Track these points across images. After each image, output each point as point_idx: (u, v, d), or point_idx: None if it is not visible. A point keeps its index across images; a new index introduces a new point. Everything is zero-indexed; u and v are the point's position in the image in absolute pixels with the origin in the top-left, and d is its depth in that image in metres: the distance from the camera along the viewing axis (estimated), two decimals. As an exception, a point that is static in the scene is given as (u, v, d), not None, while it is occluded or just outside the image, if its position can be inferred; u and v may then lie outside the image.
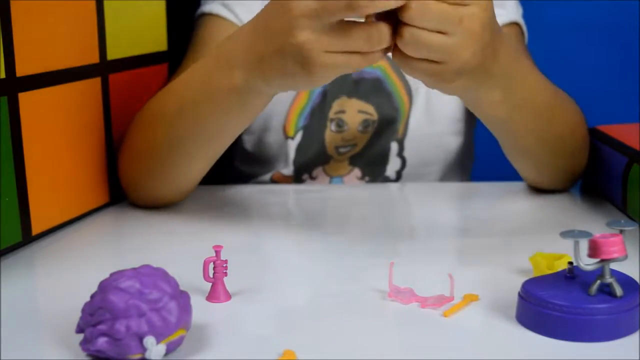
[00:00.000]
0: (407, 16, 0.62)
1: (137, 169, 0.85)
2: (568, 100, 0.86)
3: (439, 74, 0.65)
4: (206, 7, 0.98)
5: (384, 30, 0.63)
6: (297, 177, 1.00)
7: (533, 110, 0.79)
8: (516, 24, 0.98)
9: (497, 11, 0.96)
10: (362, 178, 1.00)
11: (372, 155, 0.99)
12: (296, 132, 0.98)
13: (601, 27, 1.35)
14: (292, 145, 0.98)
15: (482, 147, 1.10)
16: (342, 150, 0.99)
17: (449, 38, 0.63)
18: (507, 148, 0.85)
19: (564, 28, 1.35)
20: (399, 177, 1.00)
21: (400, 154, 0.99)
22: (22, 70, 0.72)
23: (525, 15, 1.01)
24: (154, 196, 0.87)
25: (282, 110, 0.98)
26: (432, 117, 0.99)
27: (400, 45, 0.64)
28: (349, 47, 0.63)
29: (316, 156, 0.99)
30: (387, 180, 1.00)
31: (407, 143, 0.99)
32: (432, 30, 0.63)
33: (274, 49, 0.66)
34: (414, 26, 0.62)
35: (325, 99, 0.97)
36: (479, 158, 1.10)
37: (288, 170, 0.99)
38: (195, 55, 0.93)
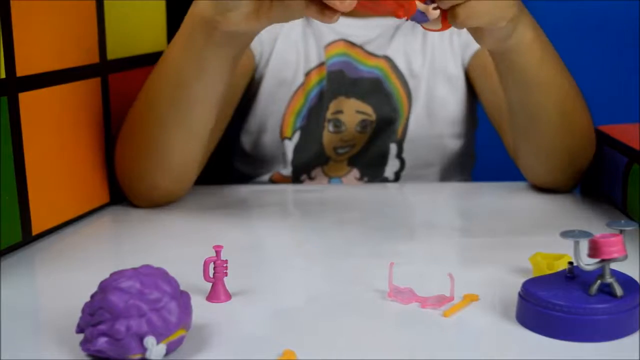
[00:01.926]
0: None
1: (129, 158, 0.84)
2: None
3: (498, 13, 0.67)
4: None
5: None
6: (295, 178, 1.00)
7: (555, 59, 0.81)
8: None
9: None
10: (360, 179, 1.00)
11: (370, 156, 0.99)
12: (294, 133, 0.98)
13: (601, 27, 1.35)
14: (290, 146, 0.98)
15: (483, 148, 1.10)
16: (340, 151, 0.99)
17: None
18: (527, 117, 0.84)
19: (564, 28, 1.35)
20: (397, 178, 1.00)
21: (399, 155, 0.99)
22: (22, 70, 0.72)
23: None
24: (150, 184, 0.85)
25: (278, 111, 0.98)
26: (432, 120, 0.99)
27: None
28: None
29: (315, 157, 0.99)
30: (385, 181, 1.00)
31: (406, 144, 0.99)
32: None
33: None
34: None
35: (323, 99, 0.97)
36: (479, 159, 1.10)
37: (287, 170, 0.99)
38: None
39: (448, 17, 0.67)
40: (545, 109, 0.82)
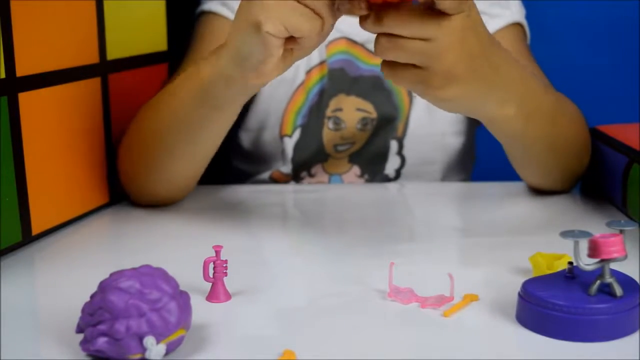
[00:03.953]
0: (385, 25, 0.62)
1: (133, 166, 0.86)
2: (567, 100, 0.86)
3: (425, 80, 0.64)
4: (205, 5, 0.98)
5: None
6: (295, 175, 1.00)
7: (543, 117, 0.78)
8: (519, 24, 0.98)
9: (500, 12, 0.96)
10: (361, 176, 1.00)
11: (371, 153, 0.99)
12: (294, 131, 0.98)
13: (601, 27, 1.35)
14: (290, 144, 0.98)
15: (483, 147, 1.10)
16: (340, 148, 0.99)
17: (430, 43, 0.62)
18: (517, 158, 0.85)
19: (565, 28, 1.35)
20: (398, 175, 1.00)
21: (399, 152, 0.99)
22: (22, 70, 0.72)
23: (526, 16, 1.01)
24: (152, 193, 0.87)
25: (279, 109, 0.99)
26: (434, 117, 0.99)
27: (378, 51, 0.63)
28: None
29: (315, 154, 0.99)
30: (386, 178, 1.00)
31: (407, 142, 0.99)
32: (411, 38, 0.62)
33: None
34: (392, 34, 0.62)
35: (323, 97, 0.97)
36: (479, 158, 1.10)
37: (286, 168, 0.99)
38: (195, 53, 0.94)
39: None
40: (533, 155, 0.83)
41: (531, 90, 0.75)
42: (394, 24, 0.62)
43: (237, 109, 0.78)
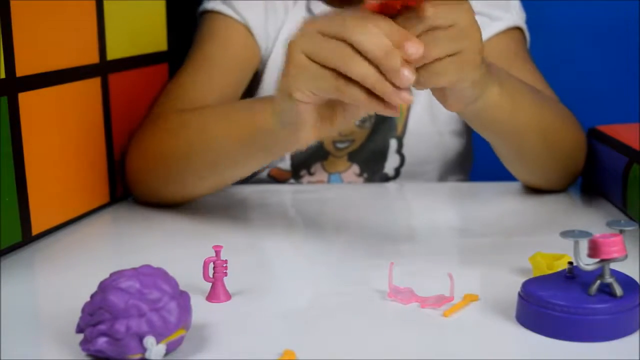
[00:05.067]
0: (430, 18, 0.62)
1: (145, 174, 0.86)
2: (552, 97, 0.86)
3: (465, 62, 0.65)
4: (208, 5, 0.98)
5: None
6: (295, 173, 1.00)
7: (526, 100, 0.79)
8: (519, 28, 0.98)
9: (500, 14, 0.96)
10: (360, 175, 1.00)
11: (370, 152, 0.99)
12: None
13: (601, 27, 1.35)
14: None
15: (481, 147, 1.10)
16: (340, 145, 0.99)
17: (457, 25, 0.63)
18: (510, 154, 0.85)
19: (564, 28, 1.36)
20: (397, 174, 1.00)
21: (399, 151, 0.99)
22: (22, 70, 0.72)
23: (526, 16, 1.01)
24: (163, 199, 0.87)
25: None
26: (434, 116, 0.99)
27: (424, 50, 0.63)
28: (323, 52, 0.62)
29: (314, 151, 0.99)
30: (385, 177, 1.00)
31: (406, 140, 0.99)
32: (444, 27, 0.63)
33: None
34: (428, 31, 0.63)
35: None
36: (477, 158, 1.10)
37: (285, 164, 0.99)
38: (198, 53, 0.94)
39: None
40: (525, 148, 0.83)
41: (502, 70, 0.76)
42: (436, 15, 0.62)
43: (281, 155, 0.78)
